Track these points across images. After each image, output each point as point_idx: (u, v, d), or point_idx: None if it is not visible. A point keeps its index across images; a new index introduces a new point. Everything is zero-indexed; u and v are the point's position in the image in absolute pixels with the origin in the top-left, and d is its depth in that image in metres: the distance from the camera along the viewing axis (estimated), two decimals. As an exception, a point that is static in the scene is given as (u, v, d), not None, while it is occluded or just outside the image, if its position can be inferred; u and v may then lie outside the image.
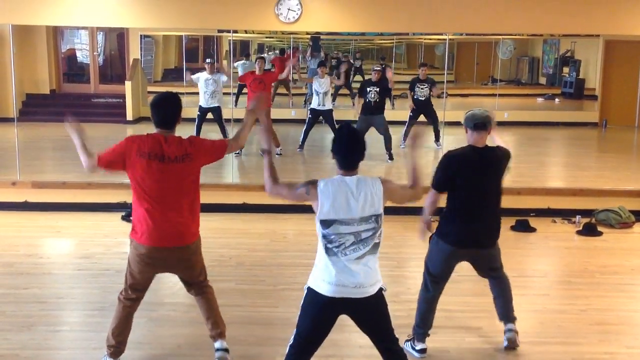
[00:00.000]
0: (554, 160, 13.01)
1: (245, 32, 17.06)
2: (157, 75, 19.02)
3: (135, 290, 4.44)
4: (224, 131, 11.57)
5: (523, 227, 8.04)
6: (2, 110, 14.65)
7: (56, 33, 16.62)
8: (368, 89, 11.43)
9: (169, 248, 4.29)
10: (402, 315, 5.23)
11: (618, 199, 8.87)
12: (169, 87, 18.30)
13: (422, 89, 12.18)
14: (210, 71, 11.63)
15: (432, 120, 12.36)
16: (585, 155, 13.34)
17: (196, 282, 4.57)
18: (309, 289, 3.75)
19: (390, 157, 11.38)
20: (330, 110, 12.13)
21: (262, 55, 14.45)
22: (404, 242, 7.54)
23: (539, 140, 14.57)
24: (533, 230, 8.02)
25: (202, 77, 11.63)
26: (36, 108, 15.57)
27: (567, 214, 8.49)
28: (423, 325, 4.82)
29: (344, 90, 17.94)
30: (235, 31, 11.83)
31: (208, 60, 12.12)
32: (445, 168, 4.63)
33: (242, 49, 20.82)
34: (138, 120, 15.51)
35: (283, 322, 5.23)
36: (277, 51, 20.16)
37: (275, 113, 13.72)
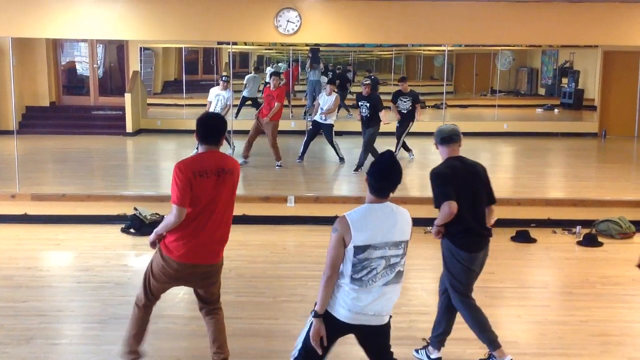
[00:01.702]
0: (553, 171, 13.01)
1: (245, 44, 17.13)
2: (156, 88, 19.06)
3: (154, 298, 4.50)
4: (229, 142, 11.76)
5: (523, 237, 8.03)
6: (2, 123, 14.67)
7: (56, 46, 16.67)
8: (360, 103, 11.51)
9: (203, 265, 4.35)
10: (403, 326, 5.22)
11: (618, 209, 8.86)
12: (168, 100, 18.41)
13: (404, 101, 12.23)
14: (223, 88, 11.81)
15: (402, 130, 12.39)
16: (585, 165, 13.34)
17: (213, 300, 4.56)
18: (326, 311, 3.66)
19: (356, 169, 11.36)
20: (331, 126, 12.15)
21: (278, 72, 14.47)
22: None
23: (538, 150, 14.58)
24: (533, 241, 8.01)
25: (213, 92, 11.92)
26: (36, 120, 15.59)
27: (567, 225, 8.48)
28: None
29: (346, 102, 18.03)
30: (235, 43, 11.89)
31: (224, 77, 12.18)
32: (444, 180, 4.63)
33: (241, 61, 20.89)
34: (138, 132, 15.52)
35: (284, 335, 5.21)
36: (281, 64, 20.27)
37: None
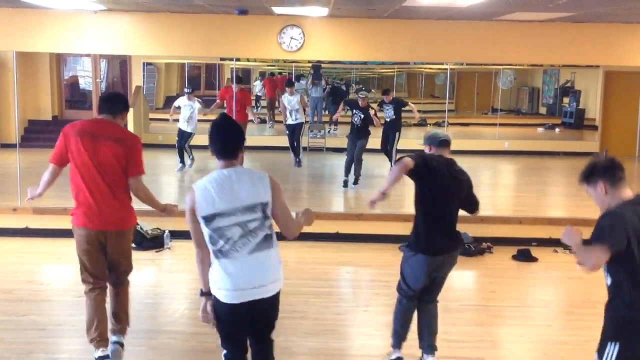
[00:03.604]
0: (554, 190, 13.01)
1: (248, 60, 17.21)
2: (159, 102, 19.12)
3: (90, 275, 4.74)
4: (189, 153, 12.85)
5: (524, 256, 8.01)
6: (5, 136, 14.71)
7: (59, 60, 16.74)
8: (354, 111, 11.56)
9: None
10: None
11: (619, 229, 8.83)
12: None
13: (386, 110, 12.32)
14: (189, 99, 12.66)
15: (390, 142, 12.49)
16: (586, 185, 13.31)
17: (119, 270, 4.77)
18: (215, 297, 3.55)
19: (355, 182, 11.50)
20: (301, 123, 13.12)
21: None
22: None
23: (539, 169, 14.59)
24: (535, 260, 7.99)
25: (181, 100, 12.88)
26: (38, 134, 15.59)
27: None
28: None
29: (345, 118, 18.10)
30: (237, 59, 11.94)
31: (187, 90, 12.97)
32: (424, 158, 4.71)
33: (243, 77, 20.99)
34: (140, 147, 15.52)
35: (282, 352, 5.18)
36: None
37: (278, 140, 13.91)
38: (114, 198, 4.55)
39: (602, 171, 3.43)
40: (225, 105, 12.96)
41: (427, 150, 4.88)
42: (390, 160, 12.17)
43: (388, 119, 12.32)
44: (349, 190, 11.38)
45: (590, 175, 3.47)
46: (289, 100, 13.03)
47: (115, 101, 4.73)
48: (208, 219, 3.43)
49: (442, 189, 4.67)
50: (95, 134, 4.51)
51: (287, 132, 13.34)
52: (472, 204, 4.90)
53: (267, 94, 19.02)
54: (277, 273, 3.57)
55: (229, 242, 3.42)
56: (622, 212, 3.29)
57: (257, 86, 19.19)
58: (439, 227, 4.71)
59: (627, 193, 3.41)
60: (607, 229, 3.23)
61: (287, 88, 13.31)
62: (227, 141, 3.54)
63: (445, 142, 4.85)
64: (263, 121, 18.44)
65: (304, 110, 13.43)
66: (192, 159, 12.74)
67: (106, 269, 4.72)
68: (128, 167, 4.57)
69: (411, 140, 12.26)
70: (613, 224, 3.22)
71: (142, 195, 4.72)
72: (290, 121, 13.12)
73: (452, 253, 4.79)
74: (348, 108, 12.16)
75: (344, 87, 19.81)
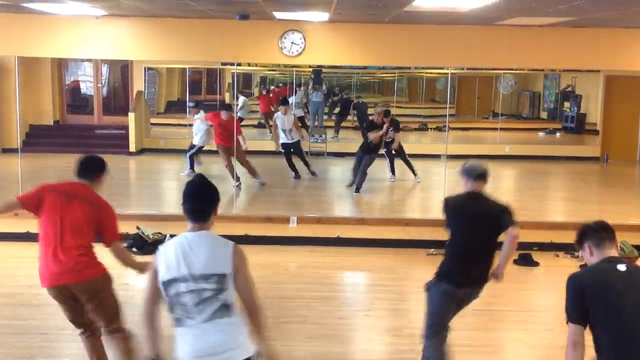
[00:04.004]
0: (556, 194, 13.01)
1: (249, 65, 17.23)
2: (160, 107, 19.17)
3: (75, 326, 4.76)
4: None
5: (526, 261, 8.01)
6: (7, 141, 14.74)
7: (61, 65, 16.78)
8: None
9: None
10: (405, 349, 5.20)
11: (621, 233, 8.74)
12: (171, 119, 18.50)
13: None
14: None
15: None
16: (587, 189, 13.34)
17: (103, 322, 4.65)
18: None
19: (356, 190, 11.48)
20: (298, 142, 12.68)
21: (230, 105, 14.53)
22: (406, 274, 7.52)
23: (540, 174, 14.59)
24: (536, 264, 8.00)
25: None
26: (40, 139, 15.64)
27: (570, 248, 8.45)
28: None
29: (346, 123, 18.15)
30: (239, 64, 11.96)
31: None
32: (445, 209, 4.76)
33: (244, 82, 21.02)
34: (141, 151, 15.56)
35: (284, 356, 5.18)
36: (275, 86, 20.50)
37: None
38: (73, 253, 4.43)
39: (589, 234, 3.61)
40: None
41: (463, 182, 4.81)
42: (392, 170, 12.38)
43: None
44: (350, 195, 11.39)
45: (579, 239, 3.68)
46: (282, 119, 12.47)
47: (92, 167, 4.72)
48: (166, 285, 3.33)
49: (465, 226, 4.69)
50: (71, 195, 4.50)
51: (283, 150, 12.72)
52: (502, 228, 4.77)
53: (261, 109, 18.50)
54: (237, 341, 3.35)
55: (184, 309, 3.28)
56: (576, 276, 3.61)
57: (240, 103, 17.66)
58: (464, 260, 4.69)
59: (612, 253, 3.52)
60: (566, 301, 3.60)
61: (280, 107, 12.75)
62: (199, 205, 3.41)
63: (481, 177, 4.76)
64: (262, 126, 18.43)
65: (298, 128, 12.80)
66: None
67: (85, 317, 4.65)
68: (104, 234, 4.53)
69: (412, 144, 12.30)
70: (567, 296, 3.60)
71: (122, 259, 4.70)
72: (286, 140, 12.54)
73: (473, 288, 4.77)
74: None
75: (353, 99, 19.48)
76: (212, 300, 3.28)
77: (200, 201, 3.41)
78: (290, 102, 15.42)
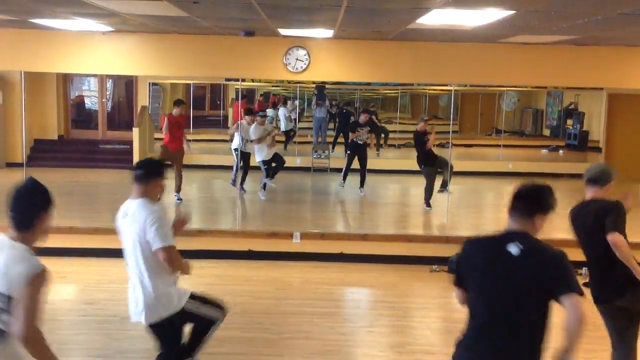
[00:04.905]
0: (559, 212, 12.83)
1: (252, 80, 17.31)
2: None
3: None
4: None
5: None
6: (11, 155, 14.79)
7: (66, 80, 16.86)
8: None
9: None
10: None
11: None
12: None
13: (361, 131, 12.48)
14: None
15: (362, 165, 12.58)
16: (590, 206, 13.30)
17: None
18: None
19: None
20: (249, 155, 11.90)
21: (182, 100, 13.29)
22: (409, 291, 7.51)
23: (543, 191, 14.56)
24: (539, 281, 7.98)
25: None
26: (44, 153, 15.69)
27: (573, 266, 8.43)
28: None
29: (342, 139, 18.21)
30: (243, 80, 12.00)
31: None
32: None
33: (248, 96, 21.08)
34: (144, 166, 15.56)
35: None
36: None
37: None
38: None
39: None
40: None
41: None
42: (362, 185, 12.48)
43: (361, 142, 12.49)
44: (353, 211, 11.41)
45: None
46: (246, 129, 11.54)
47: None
48: None
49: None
50: None
51: (242, 157, 11.77)
52: None
53: (234, 117, 17.60)
54: None
55: None
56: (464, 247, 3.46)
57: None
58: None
59: (511, 225, 3.46)
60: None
61: (245, 116, 11.85)
62: (18, 211, 3.13)
63: (590, 181, 4.96)
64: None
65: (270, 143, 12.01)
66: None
67: None
68: None
69: (415, 161, 12.32)
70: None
71: None
72: (244, 149, 11.71)
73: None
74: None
75: (334, 110, 19.36)
76: None
77: (23, 207, 3.10)
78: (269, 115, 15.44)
